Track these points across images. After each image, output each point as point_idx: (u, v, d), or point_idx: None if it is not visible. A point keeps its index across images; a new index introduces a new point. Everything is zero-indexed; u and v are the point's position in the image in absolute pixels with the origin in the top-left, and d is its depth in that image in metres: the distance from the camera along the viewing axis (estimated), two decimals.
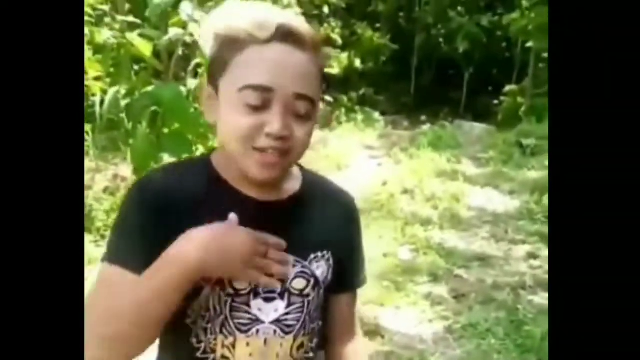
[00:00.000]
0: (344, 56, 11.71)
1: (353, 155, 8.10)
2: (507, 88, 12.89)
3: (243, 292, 0.93)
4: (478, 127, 11.22)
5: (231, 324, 0.94)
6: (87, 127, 4.81)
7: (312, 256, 0.99)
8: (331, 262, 1.02)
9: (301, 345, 0.99)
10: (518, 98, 11.92)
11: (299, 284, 0.97)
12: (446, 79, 16.44)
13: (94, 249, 4.07)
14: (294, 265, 0.97)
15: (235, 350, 0.94)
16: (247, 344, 0.94)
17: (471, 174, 7.24)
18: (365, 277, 1.12)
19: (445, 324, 3.33)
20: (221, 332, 0.93)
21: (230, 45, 0.89)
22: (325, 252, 1.01)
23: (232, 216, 0.90)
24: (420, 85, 16.06)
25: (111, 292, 0.88)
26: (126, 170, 5.19)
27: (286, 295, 0.96)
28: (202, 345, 0.94)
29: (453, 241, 4.77)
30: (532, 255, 4.43)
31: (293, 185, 1.02)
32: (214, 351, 0.94)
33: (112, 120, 5.47)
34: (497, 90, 13.48)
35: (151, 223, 0.90)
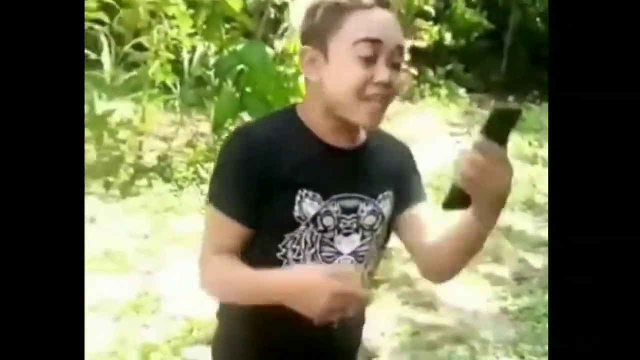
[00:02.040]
0: (435, 30, 11.46)
1: (432, 130, 8.01)
2: None
3: (330, 228, 1.10)
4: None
5: (319, 256, 1.10)
6: (175, 81, 5.02)
7: (380, 196, 1.15)
8: (393, 199, 1.18)
9: (370, 273, 1.17)
10: None
11: (370, 220, 1.14)
12: (539, 60, 15.77)
13: (173, 198, 4.30)
14: (367, 204, 1.13)
15: None
16: None
17: None
18: (425, 195, 1.23)
19: (502, 305, 3.32)
20: (311, 261, 1.10)
21: (339, 11, 1.06)
22: (389, 191, 1.17)
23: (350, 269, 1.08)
24: (512, 64, 15.49)
25: (217, 233, 1.11)
26: (206, 127, 5.39)
27: (360, 230, 1.13)
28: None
29: (522, 224, 4.68)
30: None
31: (362, 135, 1.17)
32: None
33: (200, 77, 5.69)
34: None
35: (250, 170, 1.06)
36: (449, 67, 11.97)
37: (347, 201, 1.11)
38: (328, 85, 1.07)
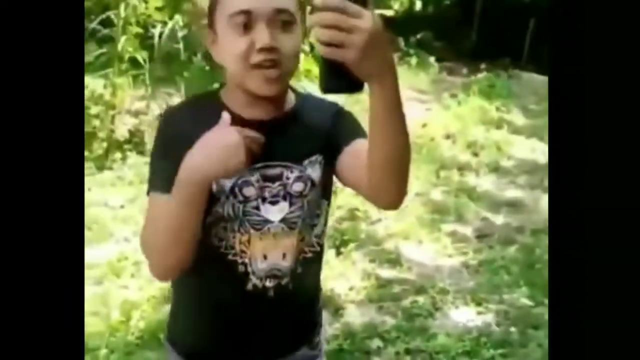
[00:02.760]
0: None
1: (402, 99, 8.16)
2: None
3: (252, 198, 1.13)
4: (537, 79, 10.96)
5: (246, 224, 1.13)
6: (145, 56, 5.08)
7: (307, 161, 1.16)
8: (323, 162, 1.17)
9: (303, 239, 1.18)
10: None
11: (297, 187, 1.15)
12: (510, 28, 15.88)
13: (146, 170, 4.41)
14: (292, 171, 1.14)
15: (251, 245, 1.14)
16: (260, 239, 1.15)
17: (519, 124, 7.22)
18: (362, 132, 1.16)
19: (463, 259, 3.53)
20: (238, 231, 1.14)
21: None
22: (317, 156, 1.17)
23: (225, 115, 1.07)
24: (483, 32, 15.59)
25: (153, 215, 1.10)
26: (178, 101, 5.47)
27: (288, 197, 1.14)
28: (223, 243, 1.15)
29: (487, 186, 4.89)
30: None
31: (288, 105, 1.19)
32: (233, 247, 1.15)
33: (169, 51, 5.76)
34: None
35: (171, 149, 1.08)
36: (419, 35, 12.07)
37: (268, 170, 1.13)
38: (222, 61, 1.11)
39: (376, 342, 2.69)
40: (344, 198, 3.68)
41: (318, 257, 1.24)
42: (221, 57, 1.12)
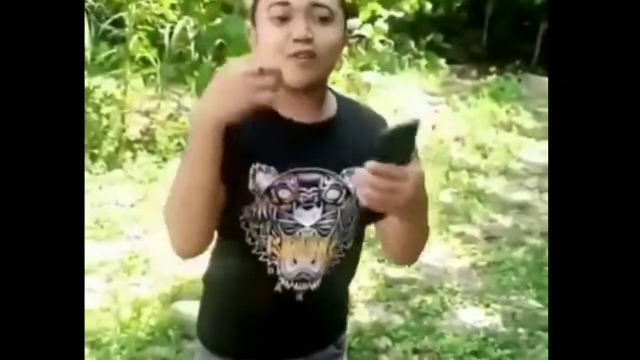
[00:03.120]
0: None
1: (412, 100, 8.17)
2: None
3: (286, 201, 1.13)
4: (547, 82, 10.95)
5: (278, 227, 1.13)
6: (155, 55, 5.12)
7: (345, 171, 1.15)
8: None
9: (335, 247, 1.18)
10: None
11: (332, 194, 1.15)
12: (521, 31, 15.83)
13: (156, 170, 4.45)
14: (329, 178, 1.15)
15: (282, 248, 1.15)
16: (291, 243, 1.15)
17: (528, 127, 7.21)
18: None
19: (471, 260, 3.53)
20: (270, 233, 1.14)
21: None
22: (357, 167, 1.15)
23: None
24: (493, 35, 15.54)
25: (172, 183, 1.07)
26: (189, 101, 5.50)
27: (322, 204, 1.14)
28: (256, 243, 1.15)
29: (495, 188, 4.89)
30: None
31: (330, 110, 1.18)
32: (265, 249, 1.15)
33: (180, 52, 5.80)
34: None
35: None
36: (429, 37, 12.06)
37: (305, 175, 1.13)
38: (261, 51, 1.10)
39: (384, 341, 2.71)
40: None
41: (347, 263, 1.24)
42: (259, 50, 1.11)
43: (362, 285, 3.12)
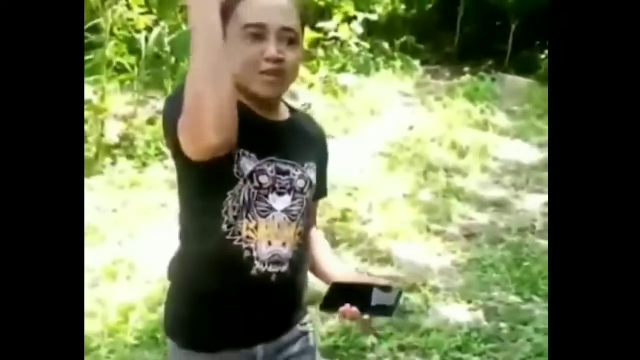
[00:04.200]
0: (388, 1, 11.63)
1: (387, 102, 8.24)
2: None
3: (265, 186, 1.24)
4: (521, 81, 11.09)
5: (254, 211, 1.23)
6: (133, 61, 5.11)
7: (306, 165, 1.32)
8: (316, 172, 1.35)
9: (300, 232, 1.30)
10: None
11: (300, 184, 1.29)
12: (493, 31, 15.99)
13: (137, 175, 4.44)
14: (297, 169, 1.29)
15: (258, 231, 1.24)
16: (266, 227, 1.24)
17: (504, 126, 7.33)
18: (326, 191, 1.45)
19: (452, 258, 3.60)
20: (246, 217, 1.23)
21: (235, 0, 1.23)
22: (313, 164, 1.35)
23: None
24: (466, 35, 15.68)
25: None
26: None
27: (292, 192, 1.28)
28: (232, 229, 1.23)
29: (473, 187, 4.97)
30: (547, 204, 4.61)
31: (285, 113, 1.35)
32: (240, 233, 1.23)
33: (157, 56, 5.78)
34: (545, 44, 13.17)
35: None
36: (403, 39, 12.16)
37: (281, 164, 1.26)
38: (231, 64, 1.16)
39: (371, 339, 2.75)
40: (335, 199, 3.74)
41: (306, 247, 1.36)
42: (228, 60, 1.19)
43: None
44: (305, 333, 1.40)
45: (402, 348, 2.71)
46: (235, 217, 1.22)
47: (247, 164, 1.22)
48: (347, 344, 2.71)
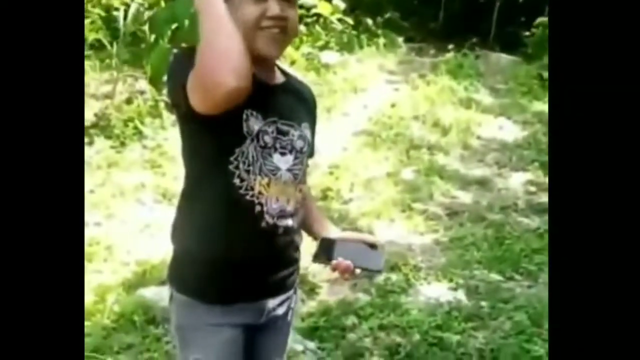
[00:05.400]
0: None
1: (371, 79, 8.18)
2: (539, 20, 12.57)
3: (268, 145, 1.31)
4: (505, 58, 11.05)
5: (264, 169, 1.30)
6: (110, 39, 4.99)
7: (303, 125, 1.39)
8: (310, 131, 1.41)
9: (300, 190, 1.37)
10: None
11: (299, 144, 1.36)
12: (477, 8, 15.91)
13: (114, 155, 4.37)
14: (296, 129, 1.36)
15: (269, 187, 1.30)
16: (275, 184, 1.31)
17: (487, 104, 7.29)
18: (314, 151, 1.47)
19: (434, 237, 3.58)
20: (259, 174, 1.29)
21: None
22: (307, 124, 1.41)
23: None
24: (450, 12, 15.59)
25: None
26: (145, 84, 5.39)
27: (293, 151, 1.34)
28: (244, 184, 1.29)
29: (456, 165, 4.96)
30: (530, 182, 4.61)
31: (280, 77, 1.41)
32: (253, 188, 1.29)
33: (135, 34, 5.65)
34: (529, 22, 13.14)
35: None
36: (386, 15, 12.05)
37: (281, 125, 1.33)
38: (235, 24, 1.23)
39: (351, 319, 2.73)
40: (317, 178, 3.70)
41: (302, 205, 1.41)
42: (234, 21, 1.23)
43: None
44: (292, 296, 1.45)
45: (382, 327, 2.69)
46: (248, 172, 1.28)
47: (255, 123, 1.28)
48: (328, 324, 2.69)
